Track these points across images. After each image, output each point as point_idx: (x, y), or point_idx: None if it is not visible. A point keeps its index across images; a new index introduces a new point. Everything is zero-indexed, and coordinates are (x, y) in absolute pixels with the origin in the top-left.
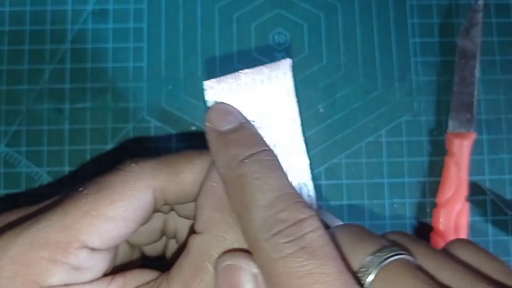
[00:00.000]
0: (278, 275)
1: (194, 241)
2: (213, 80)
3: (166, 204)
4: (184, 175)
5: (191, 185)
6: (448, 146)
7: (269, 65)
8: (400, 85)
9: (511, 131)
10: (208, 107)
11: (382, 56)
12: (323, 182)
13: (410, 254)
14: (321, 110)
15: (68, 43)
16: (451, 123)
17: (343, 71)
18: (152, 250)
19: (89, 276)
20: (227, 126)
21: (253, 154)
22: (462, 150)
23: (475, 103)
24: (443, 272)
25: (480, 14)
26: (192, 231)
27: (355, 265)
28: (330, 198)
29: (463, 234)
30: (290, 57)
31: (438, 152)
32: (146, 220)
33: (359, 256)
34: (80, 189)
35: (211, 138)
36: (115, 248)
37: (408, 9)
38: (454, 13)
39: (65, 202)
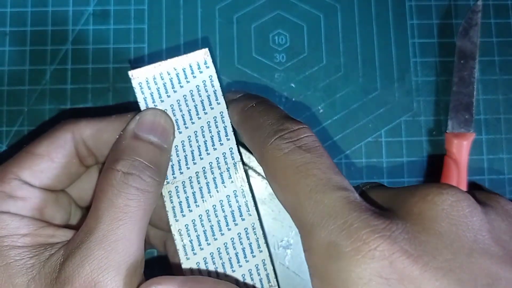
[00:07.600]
0: (281, 170)
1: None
2: (136, 70)
3: (91, 154)
4: (101, 125)
5: (109, 137)
6: (448, 146)
7: (188, 54)
8: (399, 85)
9: (510, 131)
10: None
11: (381, 56)
12: None
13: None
14: (321, 111)
15: (69, 43)
16: (450, 123)
17: (342, 71)
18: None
19: (20, 204)
20: (239, 95)
21: (258, 102)
22: (461, 150)
23: (474, 103)
24: None
25: (479, 15)
26: None
27: None
28: None
29: None
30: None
31: (438, 152)
32: (71, 161)
33: None
34: None
35: (228, 100)
36: (55, 194)
37: (408, 9)
38: (453, 14)
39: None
